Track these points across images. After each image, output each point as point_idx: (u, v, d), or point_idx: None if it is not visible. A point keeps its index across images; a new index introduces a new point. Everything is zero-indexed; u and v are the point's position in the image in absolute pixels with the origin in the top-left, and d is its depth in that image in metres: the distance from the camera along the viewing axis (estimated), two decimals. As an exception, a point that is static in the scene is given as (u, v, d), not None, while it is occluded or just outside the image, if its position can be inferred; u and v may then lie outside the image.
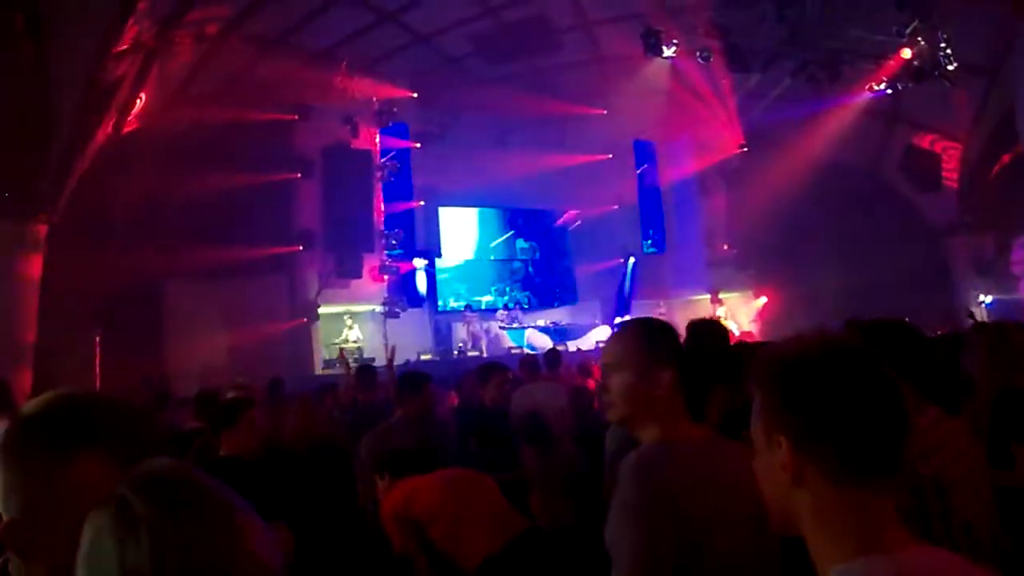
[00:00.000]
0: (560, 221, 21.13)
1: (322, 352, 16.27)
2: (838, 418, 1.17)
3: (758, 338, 16.18)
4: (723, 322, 18.49)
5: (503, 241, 20.83)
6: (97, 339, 11.71)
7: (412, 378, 5.30)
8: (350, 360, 16.02)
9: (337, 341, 16.00)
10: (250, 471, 3.77)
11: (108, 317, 11.97)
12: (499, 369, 6.06)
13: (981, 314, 10.60)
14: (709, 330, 4.06)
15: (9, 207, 9.47)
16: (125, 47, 10.61)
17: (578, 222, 20.98)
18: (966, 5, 10.28)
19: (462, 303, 19.51)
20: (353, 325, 16.51)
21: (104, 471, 1.06)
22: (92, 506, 0.95)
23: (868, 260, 14.92)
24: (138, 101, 12.06)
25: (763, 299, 18.88)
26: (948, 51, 10.51)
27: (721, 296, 19.08)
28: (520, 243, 20.98)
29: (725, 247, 19.02)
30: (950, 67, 10.66)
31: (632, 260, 20.30)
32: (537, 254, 21.06)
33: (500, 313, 19.03)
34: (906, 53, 11.13)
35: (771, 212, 16.55)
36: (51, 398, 1.15)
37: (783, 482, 1.21)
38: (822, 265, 16.01)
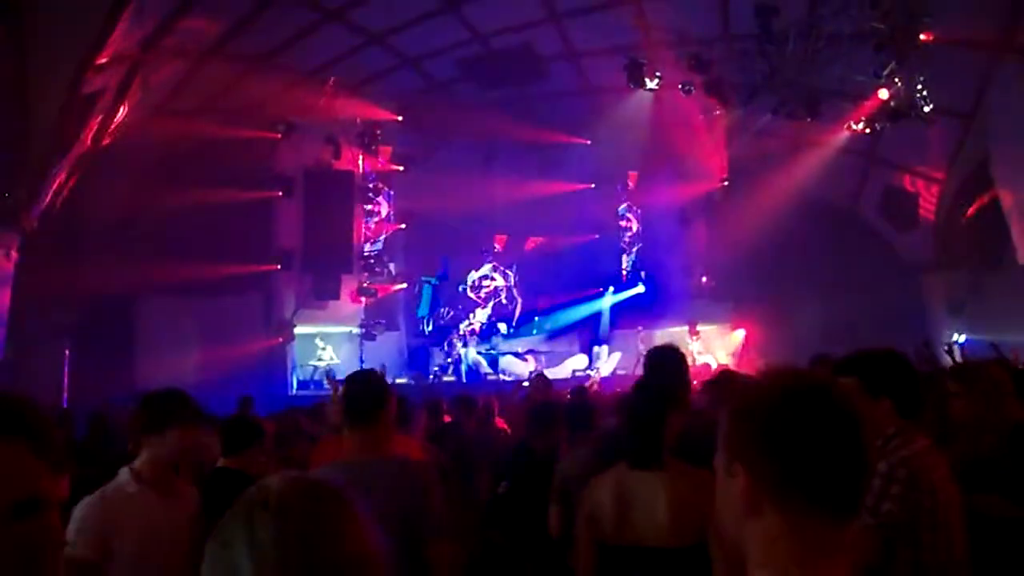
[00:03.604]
0: (529, 247, 21.08)
1: (297, 372, 16.16)
2: (797, 457, 1.18)
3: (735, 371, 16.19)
4: (699, 355, 18.61)
5: (483, 266, 20.81)
6: (67, 352, 11.56)
7: None
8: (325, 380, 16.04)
9: (313, 362, 15.93)
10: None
11: (79, 330, 11.83)
12: (555, 416, 4.94)
13: (955, 353, 10.64)
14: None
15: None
16: (108, 59, 10.57)
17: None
18: (943, 49, 10.47)
19: (440, 327, 19.46)
20: (326, 347, 16.43)
21: (23, 459, 1.15)
22: (12, 487, 1.11)
23: (846, 296, 15.01)
24: (119, 113, 11.98)
25: (741, 332, 18.93)
26: (924, 93, 10.69)
27: (699, 328, 19.12)
28: (500, 269, 20.96)
29: (703, 279, 19.09)
30: (926, 109, 10.85)
31: (612, 290, 20.35)
32: (516, 280, 21.04)
33: (454, 339, 18.93)
34: (883, 94, 11.31)
35: (750, 246, 16.66)
36: None
37: (739, 510, 1.23)
38: (800, 300, 16.08)
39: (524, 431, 5.25)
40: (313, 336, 16.74)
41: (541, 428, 4.84)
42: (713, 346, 19.35)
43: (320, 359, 16.06)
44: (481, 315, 20.04)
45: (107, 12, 9.67)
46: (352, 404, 3.03)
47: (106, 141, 11.93)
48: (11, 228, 9.94)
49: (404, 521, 2.73)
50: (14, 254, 9.90)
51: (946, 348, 8.32)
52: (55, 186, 10.62)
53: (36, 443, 1.17)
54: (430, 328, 19.57)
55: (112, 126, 11.91)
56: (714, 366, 17.90)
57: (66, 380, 11.53)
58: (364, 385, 3.14)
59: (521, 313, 20.80)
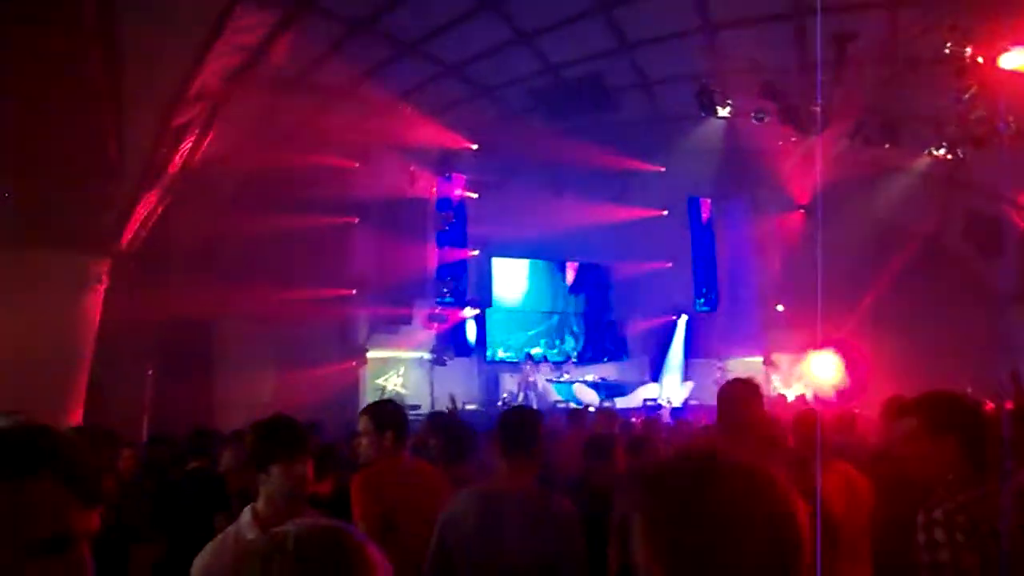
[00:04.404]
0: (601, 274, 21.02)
1: (368, 397, 16.40)
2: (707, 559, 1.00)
3: (812, 403, 15.74)
4: (776, 387, 18.15)
5: (555, 293, 20.85)
6: (149, 372, 12.03)
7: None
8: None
9: (380, 381, 16.17)
10: (327, 507, 4.03)
11: (161, 351, 12.30)
12: (612, 448, 4.89)
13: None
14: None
15: (76, 241, 9.88)
16: (196, 92, 11.08)
17: None
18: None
19: (511, 354, 19.54)
20: (403, 372, 16.66)
21: (52, 494, 1.16)
22: (39, 524, 1.12)
23: (929, 327, 14.48)
24: (205, 143, 12.49)
25: (826, 360, 18.34)
26: (1008, 117, 10.30)
27: (774, 358, 18.71)
28: (572, 296, 20.97)
29: (779, 308, 18.68)
30: (1010, 133, 10.44)
31: (685, 318, 20.09)
32: (589, 308, 21.00)
33: (527, 365, 18.88)
34: (965, 118, 10.95)
35: (827, 274, 16.24)
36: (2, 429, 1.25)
37: None
38: (881, 330, 15.58)
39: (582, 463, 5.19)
40: (386, 361, 17.02)
41: (598, 461, 4.80)
42: (790, 376, 18.90)
43: (387, 380, 16.28)
44: (553, 342, 20.07)
45: (197, 48, 10.16)
46: (506, 435, 3.24)
47: (191, 170, 12.47)
48: (103, 254, 10.45)
49: (540, 559, 2.87)
50: (105, 279, 10.41)
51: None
52: (144, 214, 11.15)
53: (64, 478, 1.19)
54: (504, 355, 19.68)
55: (198, 155, 12.45)
56: (790, 397, 17.47)
57: (148, 398, 11.97)
58: (520, 418, 3.36)
59: (593, 340, 20.73)
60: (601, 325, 20.98)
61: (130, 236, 10.86)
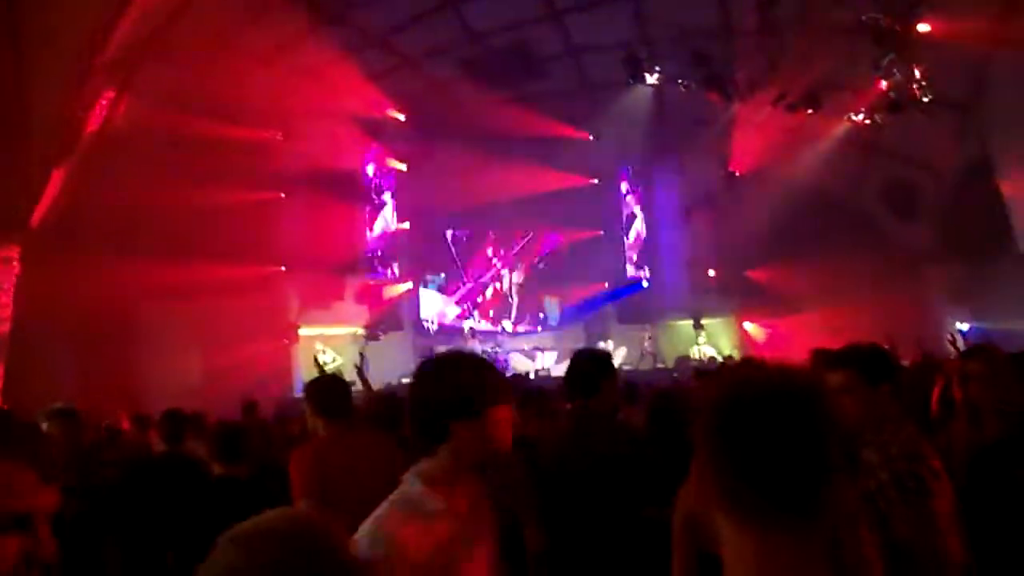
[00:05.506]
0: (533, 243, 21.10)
1: (301, 374, 16.13)
2: (753, 461, 1.14)
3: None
4: (703, 348, 18.61)
5: (488, 264, 20.84)
6: (71, 356, 11.57)
7: None
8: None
9: (320, 359, 15.89)
10: (245, 490, 4.03)
11: (82, 334, 11.82)
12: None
13: (958, 341, 10.65)
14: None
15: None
16: (109, 58, 10.51)
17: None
18: (941, 40, 10.41)
19: (445, 326, 19.53)
20: (325, 350, 16.26)
21: (11, 472, 1.18)
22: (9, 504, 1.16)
23: (850, 287, 14.98)
24: (120, 113, 11.89)
25: (748, 325, 18.89)
26: (923, 84, 10.65)
27: (703, 321, 19.12)
28: (506, 266, 20.99)
29: (710, 272, 19.07)
30: (925, 99, 10.80)
31: (617, 284, 20.30)
32: (522, 277, 21.06)
33: (463, 337, 18.90)
34: (882, 85, 11.29)
35: (753, 238, 16.68)
36: None
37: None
38: (804, 292, 16.07)
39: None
40: (319, 337, 16.73)
41: (525, 409, 4.89)
42: (719, 340, 19.37)
43: (324, 364, 16.01)
44: (486, 312, 20.08)
45: (109, 10, 9.66)
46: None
47: (107, 142, 11.89)
48: (13, 233, 9.96)
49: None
50: (16, 260, 9.93)
51: (949, 338, 8.32)
52: (56, 189, 10.61)
53: (23, 456, 1.19)
54: (435, 327, 19.61)
55: (113, 126, 11.86)
56: (719, 359, 17.95)
57: (71, 383, 11.49)
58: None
59: (526, 310, 20.82)
60: (534, 294, 21.07)
61: (42, 214, 10.34)
